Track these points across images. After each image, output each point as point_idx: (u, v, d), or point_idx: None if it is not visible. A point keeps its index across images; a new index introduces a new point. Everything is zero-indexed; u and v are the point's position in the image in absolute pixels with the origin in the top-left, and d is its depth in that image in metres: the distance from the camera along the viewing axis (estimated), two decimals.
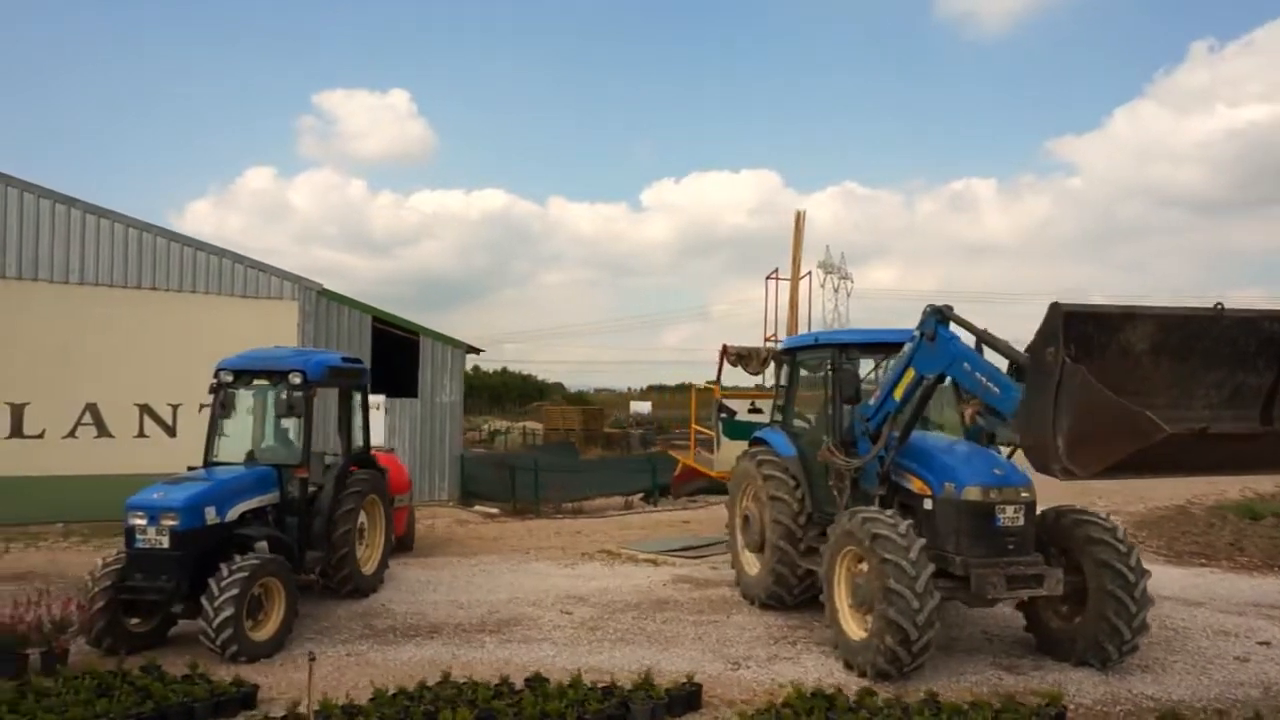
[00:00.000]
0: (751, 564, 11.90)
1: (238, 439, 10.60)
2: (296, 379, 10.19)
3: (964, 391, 9.34)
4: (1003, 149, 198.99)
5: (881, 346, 10.65)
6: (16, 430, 18.08)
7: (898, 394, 9.23)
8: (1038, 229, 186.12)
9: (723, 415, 13.13)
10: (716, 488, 18.04)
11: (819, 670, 8.70)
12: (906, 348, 9.08)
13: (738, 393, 14.25)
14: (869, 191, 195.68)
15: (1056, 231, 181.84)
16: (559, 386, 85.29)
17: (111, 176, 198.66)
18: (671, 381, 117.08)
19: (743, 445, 13.02)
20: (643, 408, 59.79)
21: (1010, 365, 7.72)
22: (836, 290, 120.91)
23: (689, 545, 15.79)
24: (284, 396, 10.08)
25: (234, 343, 19.70)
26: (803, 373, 11.66)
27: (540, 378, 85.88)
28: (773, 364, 13.35)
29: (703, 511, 20.60)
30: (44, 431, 18.25)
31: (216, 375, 10.31)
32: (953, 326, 8.59)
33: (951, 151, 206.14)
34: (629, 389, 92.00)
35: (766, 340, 14.95)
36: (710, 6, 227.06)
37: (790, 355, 11.74)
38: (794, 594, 10.96)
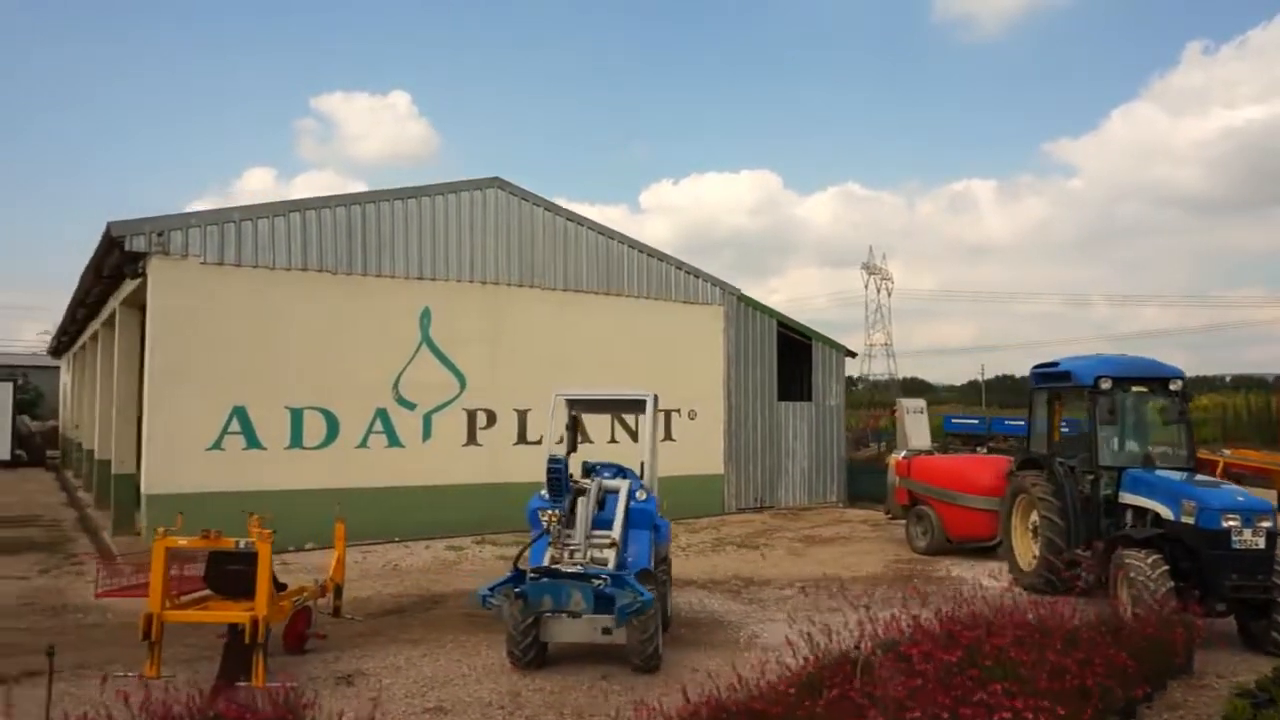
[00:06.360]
0: None
1: (1120, 443, 10.98)
2: (1176, 385, 10.63)
3: None
4: (1001, 150, 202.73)
5: None
6: (521, 437, 18.17)
7: None
8: (1037, 229, 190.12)
9: None
10: None
11: None
12: None
13: None
14: (869, 192, 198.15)
15: (1055, 232, 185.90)
16: None
17: (109, 175, 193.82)
18: None
19: None
20: None
21: None
22: (879, 290, 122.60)
23: None
24: (1171, 403, 10.52)
25: (676, 348, 20.25)
26: None
27: None
28: None
29: None
30: (542, 438, 18.28)
31: (1096, 382, 10.68)
32: None
33: (951, 153, 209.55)
34: None
35: None
36: (708, 7, 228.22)
37: None
38: None
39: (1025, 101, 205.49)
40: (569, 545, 8.52)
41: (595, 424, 19.05)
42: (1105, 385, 10.69)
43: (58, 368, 44.70)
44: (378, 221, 16.58)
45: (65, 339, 31.99)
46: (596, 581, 7.89)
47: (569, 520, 8.82)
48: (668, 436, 20.09)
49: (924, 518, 15.41)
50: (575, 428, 11.28)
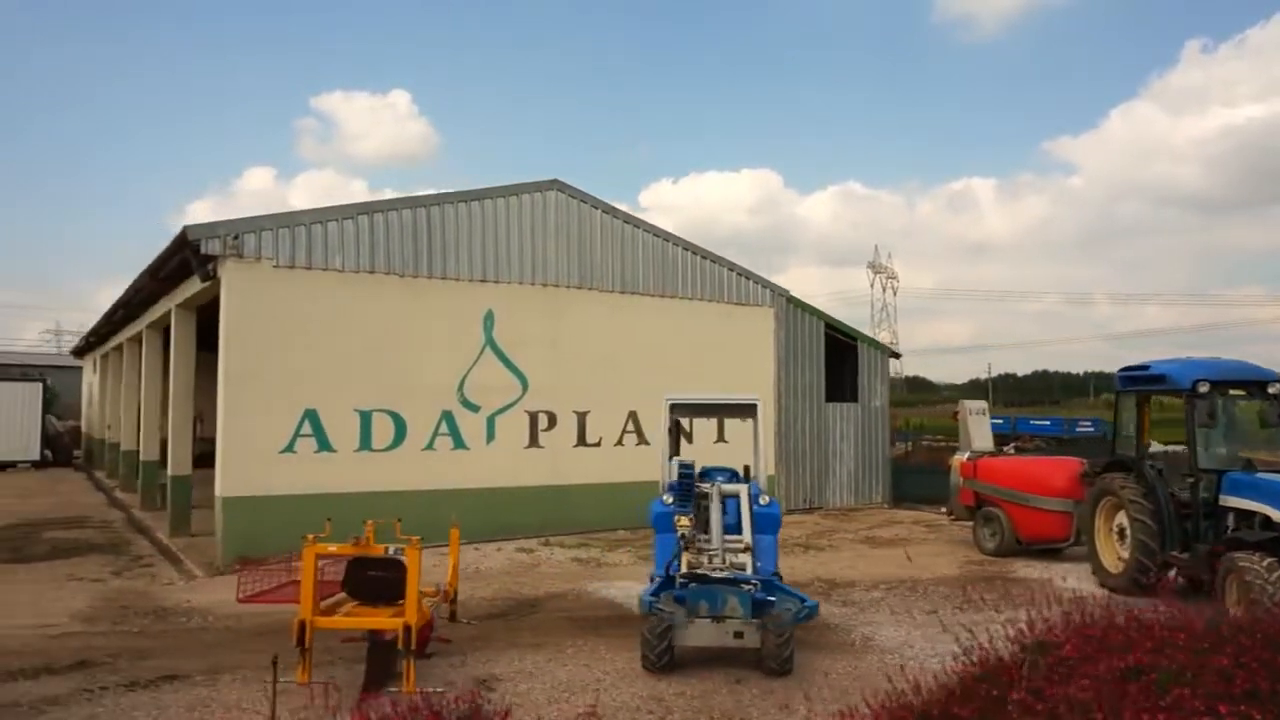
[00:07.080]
0: None
1: (1215, 445, 11.00)
2: (1275, 388, 10.67)
3: None
4: (1001, 149, 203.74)
5: None
6: (581, 439, 18.18)
7: None
8: (1037, 228, 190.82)
9: None
10: None
11: None
12: None
13: None
14: (869, 191, 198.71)
15: (1056, 230, 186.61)
16: None
17: (109, 175, 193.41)
18: None
19: None
20: None
21: None
22: (884, 289, 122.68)
23: None
24: (1269, 406, 10.56)
25: (728, 349, 20.24)
26: None
27: None
28: None
29: None
30: (600, 440, 18.36)
31: (1194, 386, 10.71)
32: None
33: (951, 152, 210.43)
34: None
35: None
36: (708, 7, 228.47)
37: None
38: None
39: (1025, 101, 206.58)
40: (706, 550, 8.56)
41: (653, 427, 19.08)
42: (1204, 389, 10.73)
43: (74, 367, 44.67)
44: (442, 224, 16.58)
45: (94, 339, 31.92)
46: (747, 587, 7.93)
47: (698, 525, 8.85)
48: (720, 438, 20.08)
49: (993, 519, 15.43)
50: (678, 431, 11.24)
